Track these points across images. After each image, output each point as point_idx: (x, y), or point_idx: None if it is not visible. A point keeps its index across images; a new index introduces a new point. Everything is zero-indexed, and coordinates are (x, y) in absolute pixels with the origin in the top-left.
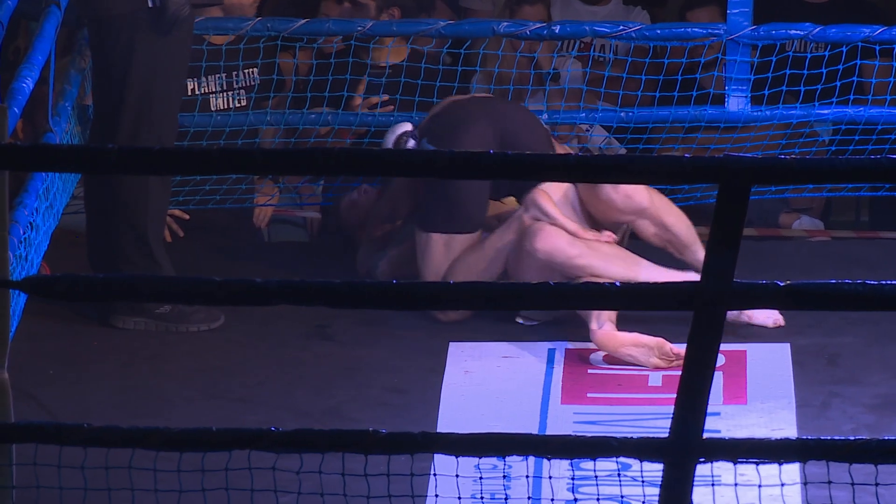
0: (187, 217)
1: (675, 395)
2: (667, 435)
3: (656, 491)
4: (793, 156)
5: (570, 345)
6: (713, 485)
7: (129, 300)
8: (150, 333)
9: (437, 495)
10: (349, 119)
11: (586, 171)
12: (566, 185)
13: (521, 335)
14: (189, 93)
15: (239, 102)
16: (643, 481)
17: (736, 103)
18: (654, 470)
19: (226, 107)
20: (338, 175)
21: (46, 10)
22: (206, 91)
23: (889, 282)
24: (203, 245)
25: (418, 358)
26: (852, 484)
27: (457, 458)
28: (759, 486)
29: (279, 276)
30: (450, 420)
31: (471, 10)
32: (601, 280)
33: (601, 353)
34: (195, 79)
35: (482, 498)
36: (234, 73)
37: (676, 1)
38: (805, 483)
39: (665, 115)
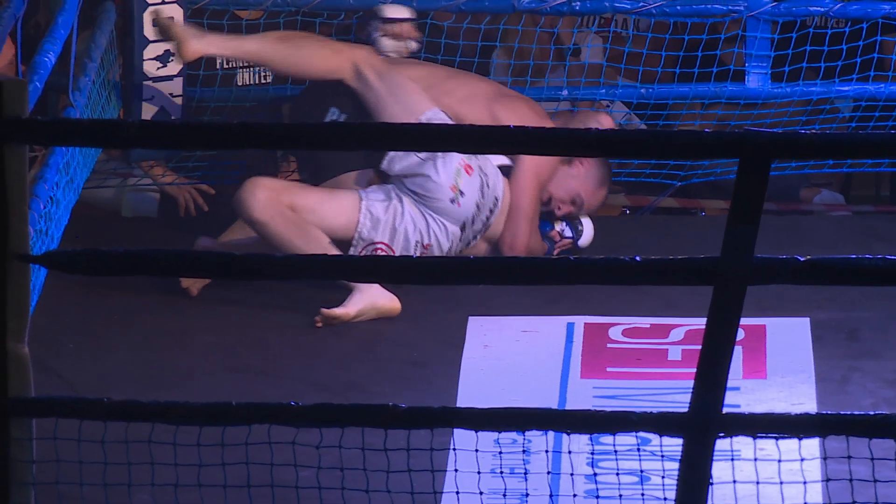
0: (213, 192)
1: (694, 370)
2: (686, 409)
3: (676, 465)
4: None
5: (590, 319)
6: (732, 459)
7: (149, 275)
8: (172, 307)
9: (456, 469)
10: None
11: (606, 146)
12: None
13: (541, 310)
14: (216, 67)
15: (264, 79)
16: (663, 456)
17: (756, 80)
18: (674, 445)
19: (251, 82)
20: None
21: None
22: (233, 66)
23: None
24: (227, 219)
25: (438, 332)
26: (872, 459)
27: (476, 432)
28: (779, 460)
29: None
30: (469, 394)
31: None
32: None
33: (620, 328)
34: None
35: (501, 472)
36: None
37: None
38: (825, 458)
39: (685, 92)
